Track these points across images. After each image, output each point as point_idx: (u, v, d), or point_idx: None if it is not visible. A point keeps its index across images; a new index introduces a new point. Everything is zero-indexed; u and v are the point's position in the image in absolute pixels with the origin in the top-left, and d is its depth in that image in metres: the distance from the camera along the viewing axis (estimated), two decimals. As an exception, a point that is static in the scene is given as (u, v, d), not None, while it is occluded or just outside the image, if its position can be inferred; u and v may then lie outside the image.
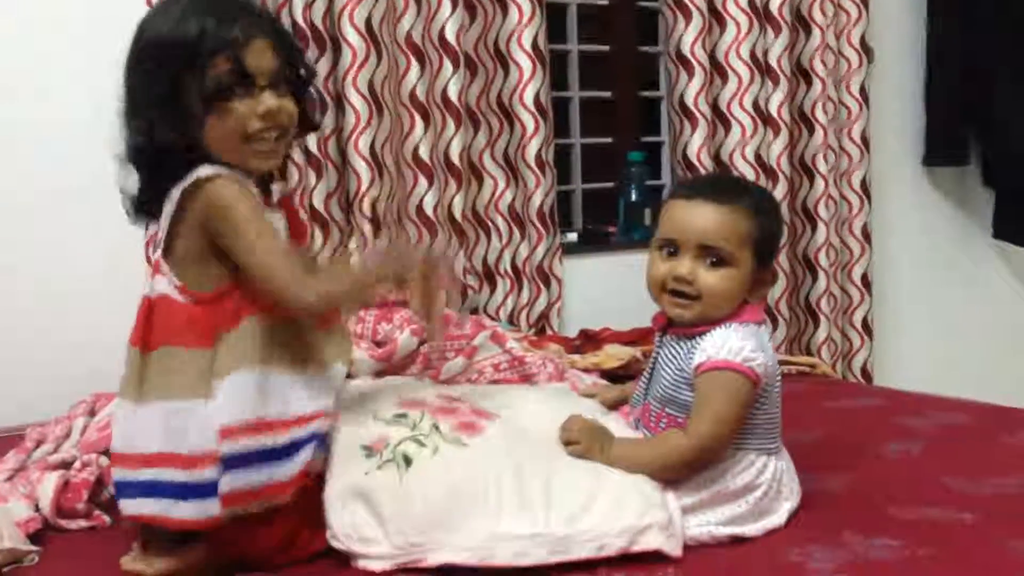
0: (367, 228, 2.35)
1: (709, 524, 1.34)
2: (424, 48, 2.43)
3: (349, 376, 1.96)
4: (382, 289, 1.33)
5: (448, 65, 2.44)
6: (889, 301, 3.25)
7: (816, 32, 2.91)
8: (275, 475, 1.27)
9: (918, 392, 2.15)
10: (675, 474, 1.33)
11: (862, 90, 3.02)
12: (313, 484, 1.31)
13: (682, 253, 1.39)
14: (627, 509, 1.27)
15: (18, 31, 2.10)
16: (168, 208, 1.30)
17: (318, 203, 2.32)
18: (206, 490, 1.25)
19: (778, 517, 1.38)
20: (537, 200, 2.59)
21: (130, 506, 1.29)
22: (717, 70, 2.82)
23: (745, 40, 2.78)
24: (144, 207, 1.35)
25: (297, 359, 1.33)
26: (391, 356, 2.01)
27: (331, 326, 1.42)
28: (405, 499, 1.25)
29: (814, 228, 2.97)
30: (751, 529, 1.35)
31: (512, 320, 2.61)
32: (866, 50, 3.02)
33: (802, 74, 2.94)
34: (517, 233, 2.61)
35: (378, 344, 2.09)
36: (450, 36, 2.43)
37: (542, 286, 2.63)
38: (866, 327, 3.10)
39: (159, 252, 1.31)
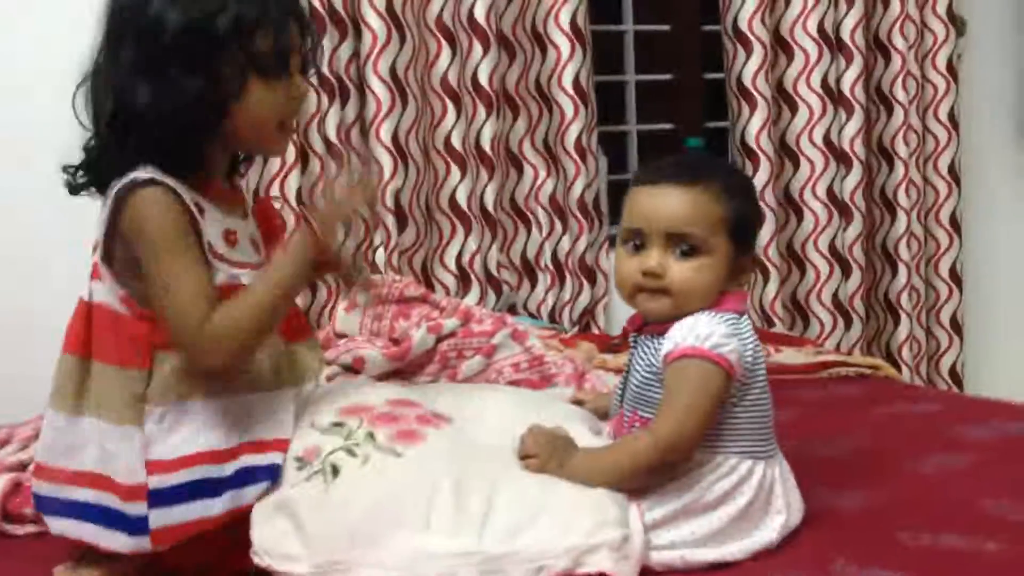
0: (390, 220, 2.24)
1: (685, 545, 1.18)
2: (455, 31, 2.31)
3: (355, 372, 1.89)
4: (299, 284, 1.23)
5: (478, 47, 2.31)
6: (983, 297, 2.95)
7: (895, 3, 2.66)
8: (213, 509, 1.17)
9: (988, 398, 1.91)
10: (640, 480, 1.18)
11: (949, 65, 2.75)
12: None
13: (649, 244, 1.23)
14: (575, 526, 1.12)
15: (39, 32, 2.06)
16: (104, 209, 1.20)
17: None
18: (137, 525, 1.17)
19: (767, 533, 1.21)
20: (578, 190, 2.43)
21: (58, 525, 1.23)
22: (782, 46, 2.60)
23: (812, 13, 2.56)
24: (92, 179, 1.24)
25: (254, 383, 1.22)
26: (406, 354, 1.91)
27: (301, 338, 1.32)
28: (329, 512, 1.14)
29: (893, 217, 2.71)
30: (732, 549, 1.19)
31: (554, 318, 2.46)
32: (954, 21, 2.75)
33: (880, 48, 2.70)
34: (559, 225, 2.46)
35: (395, 342, 1.99)
36: (479, 16, 2.30)
37: (585, 281, 2.47)
38: (955, 325, 2.82)
39: (97, 254, 1.21)
